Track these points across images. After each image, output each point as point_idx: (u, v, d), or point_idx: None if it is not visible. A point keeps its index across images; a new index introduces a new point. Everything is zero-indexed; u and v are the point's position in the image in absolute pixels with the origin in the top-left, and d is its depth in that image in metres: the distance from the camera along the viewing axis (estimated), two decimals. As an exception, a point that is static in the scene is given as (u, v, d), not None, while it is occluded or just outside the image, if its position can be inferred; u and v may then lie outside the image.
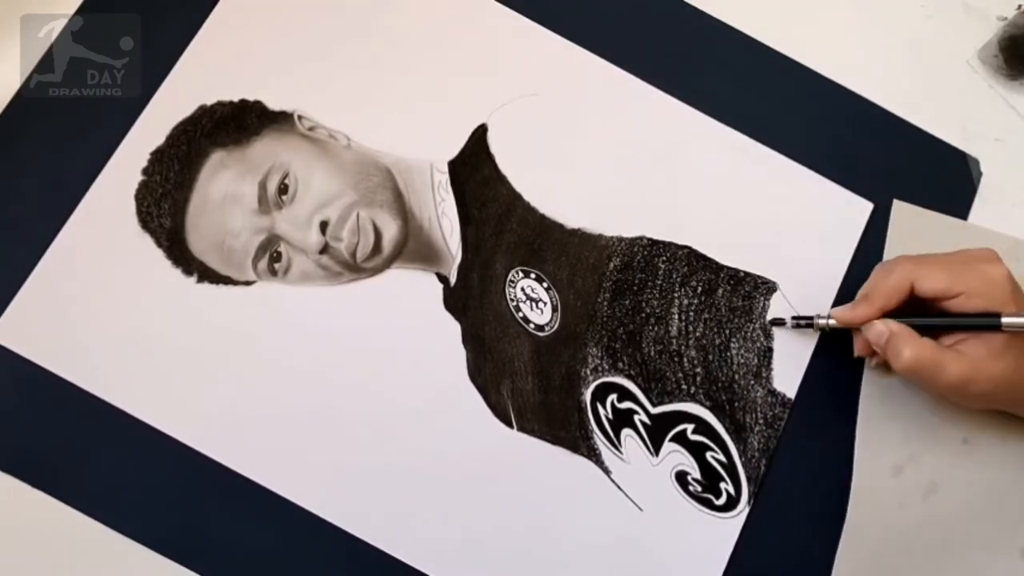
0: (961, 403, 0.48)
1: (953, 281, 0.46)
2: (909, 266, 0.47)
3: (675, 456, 0.49)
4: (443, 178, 0.51)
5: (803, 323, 0.50)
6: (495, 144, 0.52)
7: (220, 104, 0.50)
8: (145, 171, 0.49)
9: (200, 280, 0.49)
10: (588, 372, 0.50)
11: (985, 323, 0.46)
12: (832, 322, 0.49)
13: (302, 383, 0.48)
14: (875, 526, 0.49)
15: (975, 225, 0.54)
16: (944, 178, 0.55)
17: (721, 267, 0.52)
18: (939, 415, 0.50)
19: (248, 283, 0.49)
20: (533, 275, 0.51)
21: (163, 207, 0.49)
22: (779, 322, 0.51)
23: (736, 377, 0.50)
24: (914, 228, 0.53)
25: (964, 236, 0.51)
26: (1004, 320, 0.45)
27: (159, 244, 0.49)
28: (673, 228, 0.52)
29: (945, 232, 0.53)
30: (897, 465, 0.50)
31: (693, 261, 0.52)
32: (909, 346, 0.46)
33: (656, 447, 0.49)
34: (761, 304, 0.52)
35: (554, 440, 0.49)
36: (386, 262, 0.50)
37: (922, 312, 0.47)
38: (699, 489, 0.49)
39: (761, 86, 0.55)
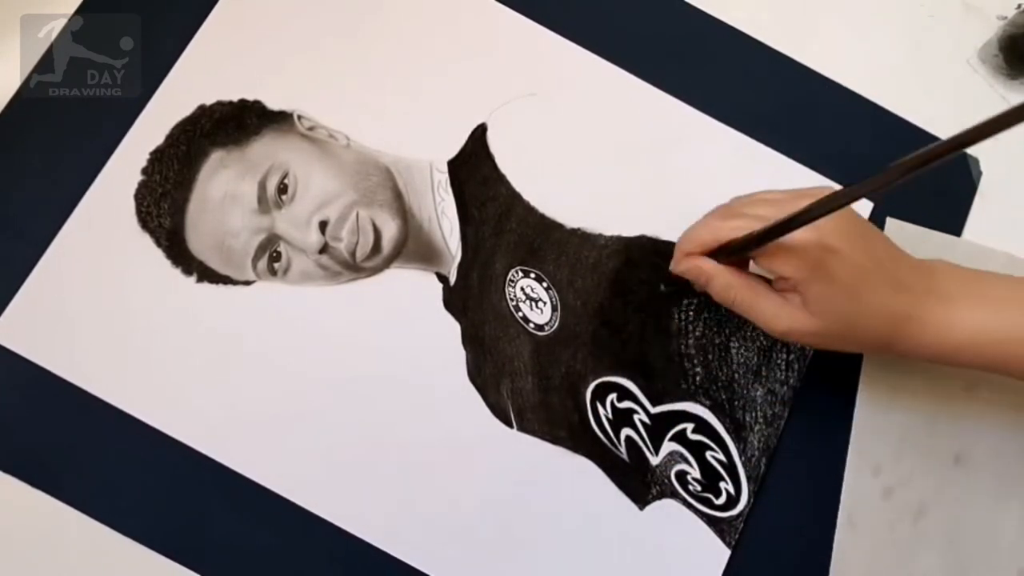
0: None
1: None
2: (714, 221, 0.45)
3: (675, 455, 0.49)
4: (443, 178, 0.51)
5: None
6: (495, 144, 0.52)
7: (219, 104, 0.51)
8: (145, 171, 0.49)
9: (200, 280, 0.49)
10: (588, 371, 0.50)
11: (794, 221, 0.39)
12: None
13: (302, 383, 0.48)
14: (865, 550, 0.49)
15: (967, 241, 0.53)
16: (944, 178, 0.55)
17: (721, 267, 0.52)
18: (932, 432, 0.50)
19: (248, 283, 0.49)
20: (533, 275, 0.51)
21: (163, 207, 0.49)
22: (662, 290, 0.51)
23: (736, 376, 0.50)
24: (907, 245, 0.53)
25: (955, 252, 0.50)
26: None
27: (159, 244, 0.49)
28: (673, 227, 0.52)
29: (935, 248, 0.52)
30: (888, 487, 0.50)
31: (693, 261, 0.52)
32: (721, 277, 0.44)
33: (656, 446, 0.49)
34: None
35: (554, 440, 0.49)
36: (386, 262, 0.50)
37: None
38: (699, 488, 0.49)
39: (761, 86, 0.55)
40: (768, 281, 0.45)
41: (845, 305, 0.43)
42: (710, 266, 0.45)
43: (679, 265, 0.46)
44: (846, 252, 0.42)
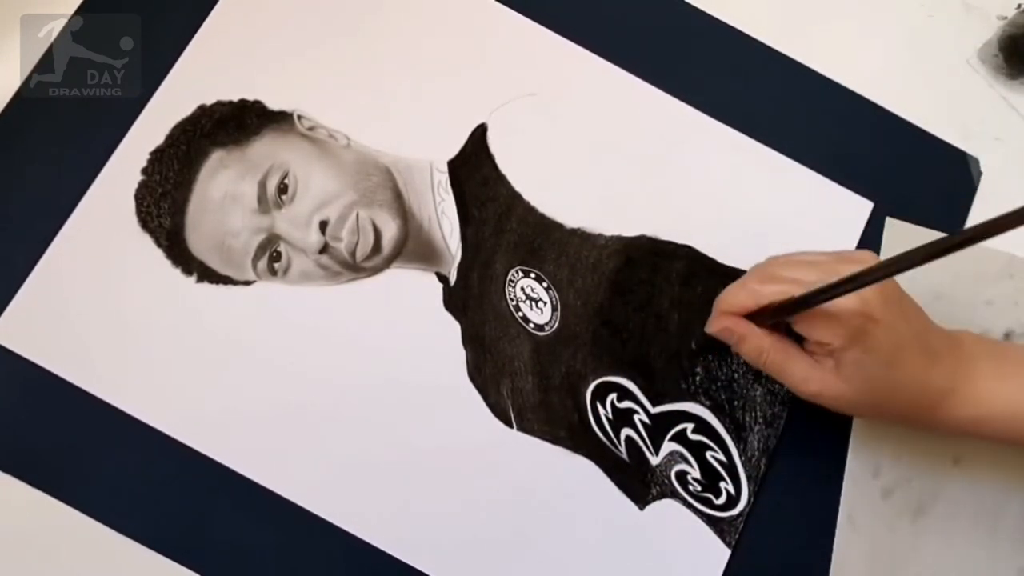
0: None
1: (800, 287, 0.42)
2: (753, 285, 0.44)
3: (675, 455, 0.49)
4: (443, 178, 0.51)
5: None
6: (495, 144, 0.52)
7: (220, 104, 0.51)
8: (145, 171, 0.49)
9: (200, 280, 0.49)
10: (588, 371, 0.50)
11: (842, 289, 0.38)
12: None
13: (302, 383, 0.48)
14: (865, 550, 0.49)
15: None
16: (944, 177, 0.55)
17: (721, 266, 0.52)
18: (931, 433, 0.50)
19: (248, 283, 0.49)
20: (533, 275, 0.51)
21: (163, 207, 0.49)
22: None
23: (736, 376, 0.50)
24: (907, 245, 0.52)
25: (956, 253, 0.50)
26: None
27: (159, 244, 0.49)
28: (673, 227, 0.52)
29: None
30: (887, 488, 0.50)
31: (693, 260, 0.52)
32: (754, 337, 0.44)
33: (656, 446, 0.49)
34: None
35: (554, 440, 0.49)
36: (386, 262, 0.50)
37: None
38: (699, 488, 0.49)
39: (761, 86, 0.55)
40: (799, 340, 0.45)
41: (881, 374, 0.42)
42: (742, 328, 0.44)
43: (713, 325, 0.46)
44: (888, 322, 0.42)
